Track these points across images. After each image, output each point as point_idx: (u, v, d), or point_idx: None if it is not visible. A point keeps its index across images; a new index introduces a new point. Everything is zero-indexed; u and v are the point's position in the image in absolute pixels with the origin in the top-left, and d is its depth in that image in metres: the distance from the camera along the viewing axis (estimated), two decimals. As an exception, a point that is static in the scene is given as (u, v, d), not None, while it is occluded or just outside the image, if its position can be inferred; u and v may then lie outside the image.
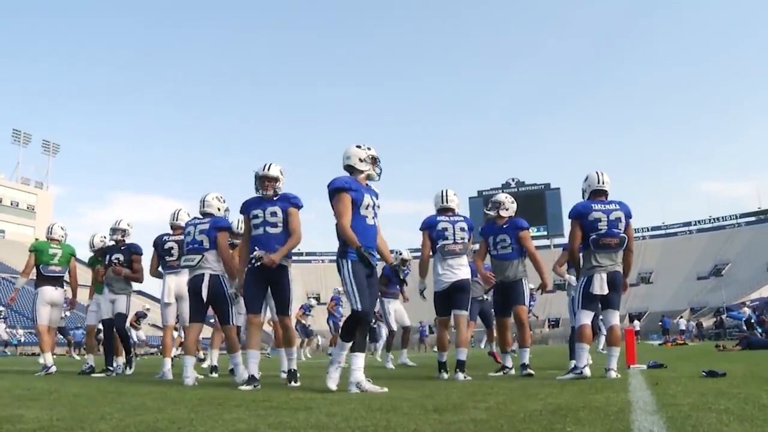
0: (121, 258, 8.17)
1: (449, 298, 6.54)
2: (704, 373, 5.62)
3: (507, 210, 7.10)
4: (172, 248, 7.74)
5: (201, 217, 6.54)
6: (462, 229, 6.58)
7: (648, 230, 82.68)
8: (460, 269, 6.48)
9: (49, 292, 8.45)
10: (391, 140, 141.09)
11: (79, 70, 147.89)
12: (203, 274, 6.23)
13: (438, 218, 6.69)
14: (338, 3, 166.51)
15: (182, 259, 6.58)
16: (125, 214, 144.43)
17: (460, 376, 6.22)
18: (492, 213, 7.12)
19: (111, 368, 8.26)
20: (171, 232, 7.78)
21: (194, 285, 6.28)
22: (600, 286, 5.88)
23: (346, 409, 3.48)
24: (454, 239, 6.54)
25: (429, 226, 6.65)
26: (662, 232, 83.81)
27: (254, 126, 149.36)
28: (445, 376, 6.59)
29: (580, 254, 6.12)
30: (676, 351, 15.06)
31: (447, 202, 6.82)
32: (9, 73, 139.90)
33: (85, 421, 3.10)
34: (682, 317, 46.82)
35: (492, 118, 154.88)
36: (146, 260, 8.24)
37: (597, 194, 6.12)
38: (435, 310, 6.69)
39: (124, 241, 8.36)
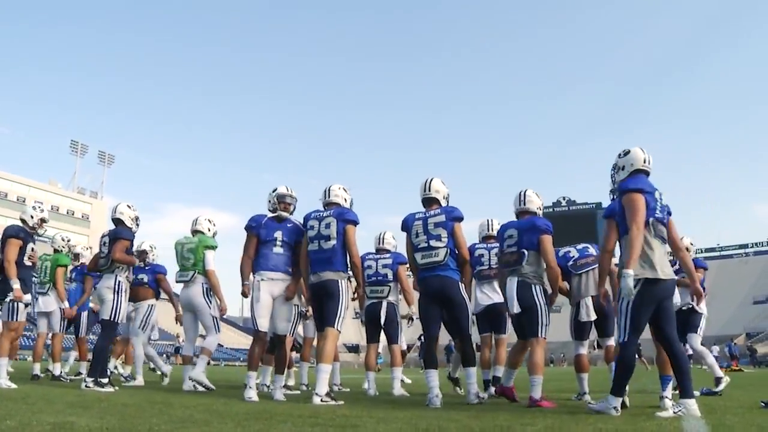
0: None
1: (485, 321, 6.93)
2: (763, 404, 5.37)
3: None
4: None
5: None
6: (497, 255, 6.81)
7: (702, 251, 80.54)
8: (495, 294, 6.78)
9: None
10: (446, 164, 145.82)
11: (136, 85, 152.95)
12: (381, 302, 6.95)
13: (477, 245, 7.03)
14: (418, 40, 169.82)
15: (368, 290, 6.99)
16: (179, 224, 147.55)
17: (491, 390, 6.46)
18: None
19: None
20: None
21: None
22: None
23: (393, 428, 3.44)
24: (489, 265, 6.84)
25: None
26: (717, 253, 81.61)
27: (311, 145, 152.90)
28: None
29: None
30: (731, 378, 14.39)
31: (491, 231, 7.09)
32: (69, 86, 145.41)
33: (133, 431, 3.13)
34: (735, 342, 45.15)
35: (543, 140, 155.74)
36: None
37: None
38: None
39: None
